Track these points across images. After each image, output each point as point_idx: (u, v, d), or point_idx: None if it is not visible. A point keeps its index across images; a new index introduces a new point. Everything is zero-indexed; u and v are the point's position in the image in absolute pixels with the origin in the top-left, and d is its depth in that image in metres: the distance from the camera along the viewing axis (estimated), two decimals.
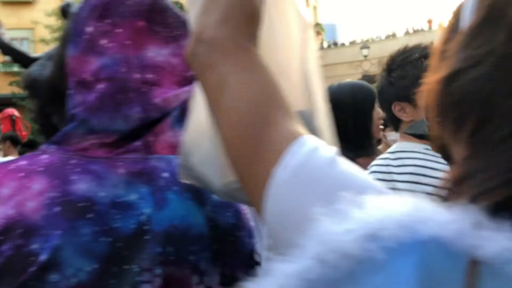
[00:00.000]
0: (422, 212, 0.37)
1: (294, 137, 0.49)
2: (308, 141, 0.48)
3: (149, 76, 0.74)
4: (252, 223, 0.83)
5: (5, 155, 4.46)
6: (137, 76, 0.73)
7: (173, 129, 0.76)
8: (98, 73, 0.72)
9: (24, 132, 7.44)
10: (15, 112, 7.64)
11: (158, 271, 0.68)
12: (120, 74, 0.72)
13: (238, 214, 0.80)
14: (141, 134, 0.73)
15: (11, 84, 18.75)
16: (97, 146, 0.71)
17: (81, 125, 0.72)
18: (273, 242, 0.47)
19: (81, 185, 0.68)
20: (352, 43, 27.59)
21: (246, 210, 0.84)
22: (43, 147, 0.74)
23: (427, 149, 1.45)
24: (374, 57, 21.52)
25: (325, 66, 22.96)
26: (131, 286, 0.67)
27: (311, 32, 0.74)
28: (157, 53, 0.75)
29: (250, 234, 0.82)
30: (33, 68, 0.93)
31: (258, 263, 0.82)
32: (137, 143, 0.73)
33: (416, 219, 0.37)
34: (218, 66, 0.54)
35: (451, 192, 0.40)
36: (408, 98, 1.51)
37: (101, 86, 0.72)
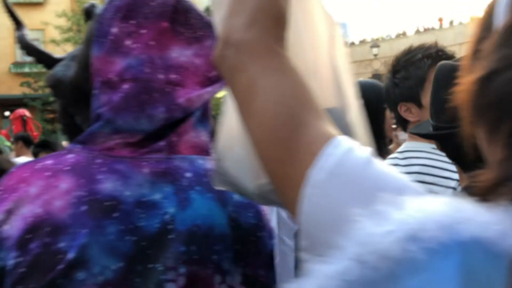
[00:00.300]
0: (462, 213, 0.37)
1: (327, 138, 0.48)
2: (343, 142, 0.48)
3: (173, 76, 0.74)
4: (271, 224, 0.84)
5: (17, 155, 4.48)
6: (161, 76, 0.74)
7: (196, 129, 0.78)
8: (123, 74, 0.73)
9: (35, 132, 7.50)
10: (26, 113, 7.71)
11: (182, 270, 0.69)
12: (145, 75, 0.73)
13: (259, 215, 0.81)
14: (165, 134, 0.74)
15: (22, 85, 18.93)
16: (121, 146, 0.72)
17: (106, 125, 0.73)
18: (308, 244, 0.47)
19: (107, 184, 0.69)
20: (362, 42, 27.50)
21: (266, 211, 0.84)
22: (68, 146, 0.75)
23: (433, 148, 1.45)
24: (384, 56, 21.43)
25: None
26: (156, 284, 0.67)
27: (338, 29, 0.74)
28: (180, 53, 0.75)
29: (270, 235, 0.83)
30: (57, 69, 0.93)
31: (271, 265, 0.83)
32: (161, 143, 0.74)
33: (456, 220, 0.36)
34: (247, 69, 0.54)
35: (487, 193, 0.39)
36: (413, 98, 1.52)
37: (126, 86, 0.73)
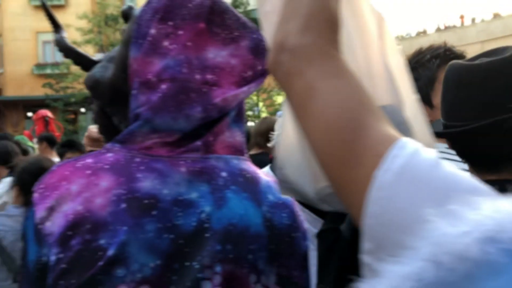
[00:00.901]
0: None
1: (392, 140, 0.48)
2: (408, 143, 0.48)
3: (209, 76, 0.75)
4: (304, 227, 0.84)
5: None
6: (198, 76, 0.75)
7: (231, 129, 0.78)
8: (161, 74, 0.74)
9: (57, 132, 7.61)
10: (48, 113, 7.83)
11: (218, 268, 0.70)
12: (182, 75, 0.74)
13: (293, 216, 0.81)
14: (201, 134, 0.75)
15: (44, 86, 19.25)
16: (159, 145, 0.73)
17: (145, 124, 0.74)
18: (373, 246, 0.47)
19: (146, 183, 0.70)
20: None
21: (300, 212, 0.84)
22: (107, 145, 0.77)
23: (447, 148, 1.42)
24: (405, 54, 21.17)
25: None
26: (192, 282, 0.68)
27: (387, 25, 0.74)
28: (216, 54, 0.76)
29: (304, 236, 0.83)
30: (95, 70, 0.94)
31: (305, 266, 0.82)
32: (198, 143, 0.75)
33: None
34: (304, 73, 0.54)
35: None
36: (424, 99, 1.49)
37: (164, 86, 0.74)
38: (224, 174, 0.75)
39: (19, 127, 19.75)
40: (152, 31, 0.76)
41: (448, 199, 0.38)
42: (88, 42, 17.40)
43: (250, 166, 0.81)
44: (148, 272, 0.67)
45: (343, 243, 1.83)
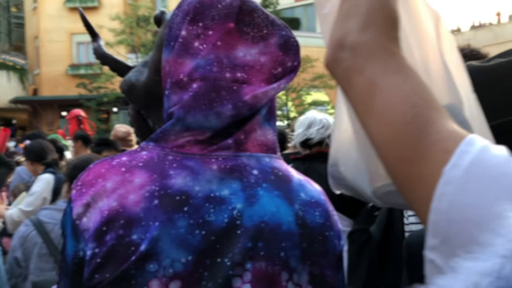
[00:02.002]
0: None
1: (460, 136, 0.48)
2: (477, 140, 0.47)
3: (239, 74, 0.76)
4: (340, 226, 0.83)
5: (76, 154, 4.66)
6: (228, 75, 0.76)
7: (262, 127, 0.79)
8: (192, 73, 0.76)
9: (90, 131, 7.79)
10: (81, 113, 8.02)
11: (249, 265, 0.70)
12: (212, 74, 0.75)
13: (326, 214, 0.81)
14: (232, 132, 0.76)
15: (78, 86, 19.71)
16: (192, 143, 0.75)
17: (177, 123, 0.76)
18: (438, 242, 0.46)
19: (178, 180, 0.72)
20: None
21: (334, 211, 0.83)
22: (142, 144, 0.79)
23: None
24: None
25: None
26: (223, 279, 0.69)
27: (444, 23, 0.74)
28: (246, 52, 0.77)
29: (338, 236, 0.82)
30: (131, 74, 0.97)
31: (340, 266, 0.82)
32: (229, 141, 0.76)
33: None
34: (365, 70, 0.54)
35: None
36: None
37: (195, 85, 0.75)
38: (255, 172, 0.76)
39: (54, 126, 20.29)
40: (183, 32, 0.78)
41: None
42: (120, 42, 17.71)
43: (282, 165, 0.81)
44: (179, 267, 0.68)
45: (373, 244, 1.81)
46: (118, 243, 0.67)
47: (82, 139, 4.75)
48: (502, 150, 0.47)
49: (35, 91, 23.06)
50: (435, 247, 0.46)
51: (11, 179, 3.99)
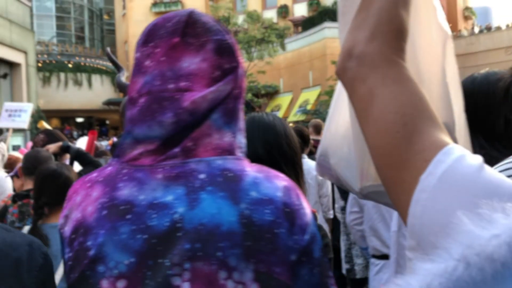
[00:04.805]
0: None
1: (440, 146, 0.51)
2: (454, 149, 0.50)
3: (183, 84, 0.81)
4: (302, 221, 0.80)
5: None
6: (171, 86, 0.81)
7: (220, 131, 0.82)
8: (140, 90, 0.83)
9: None
10: None
11: (187, 265, 0.74)
12: (156, 87, 0.82)
13: (277, 212, 0.78)
14: (179, 141, 0.80)
15: None
16: (145, 155, 0.81)
17: (127, 136, 0.83)
18: (414, 243, 0.50)
19: (125, 191, 0.79)
20: (510, 26, 24.80)
21: (297, 207, 0.80)
22: (109, 160, 0.88)
23: None
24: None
25: (476, 53, 20.99)
26: (162, 278, 0.74)
27: (451, 44, 0.75)
28: (190, 62, 0.83)
29: (293, 231, 0.79)
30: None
31: (302, 261, 0.80)
32: (176, 150, 0.80)
33: None
34: (367, 79, 0.57)
35: None
36: None
37: (142, 100, 0.82)
38: (202, 176, 0.78)
39: None
40: (137, 54, 0.86)
41: (484, 203, 0.40)
42: None
43: (237, 165, 0.81)
44: (123, 268, 0.75)
45: None
46: (80, 248, 0.78)
47: None
48: (476, 159, 0.50)
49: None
50: (413, 247, 0.50)
51: None
